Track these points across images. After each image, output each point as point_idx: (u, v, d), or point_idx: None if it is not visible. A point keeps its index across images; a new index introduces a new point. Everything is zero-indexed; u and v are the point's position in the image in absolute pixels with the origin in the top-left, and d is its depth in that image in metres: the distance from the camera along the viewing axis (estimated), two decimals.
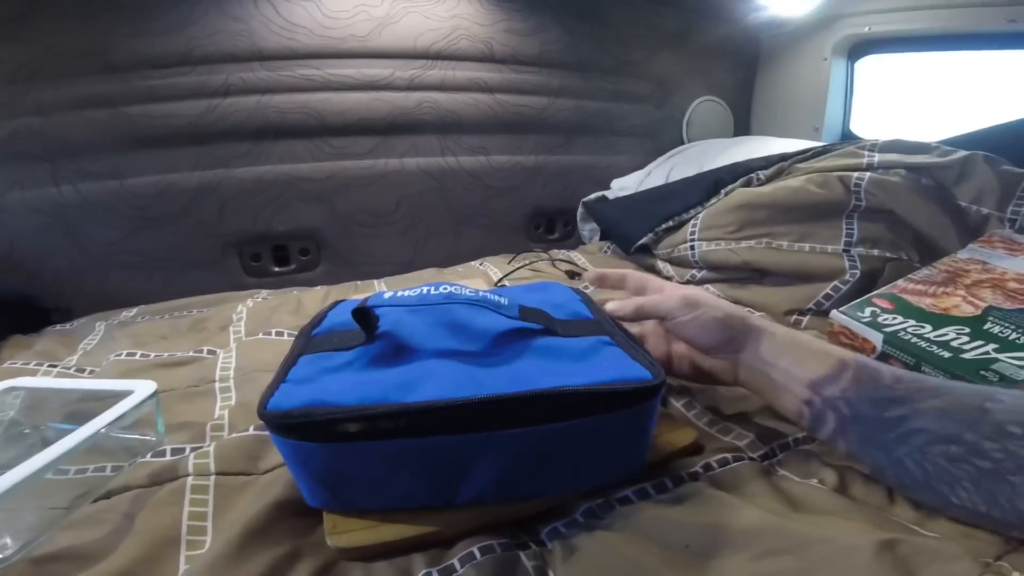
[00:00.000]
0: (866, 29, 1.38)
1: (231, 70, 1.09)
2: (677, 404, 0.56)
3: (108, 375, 0.70)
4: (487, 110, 1.29)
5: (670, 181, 1.26)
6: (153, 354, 0.76)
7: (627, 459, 0.42)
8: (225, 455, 0.48)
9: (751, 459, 0.47)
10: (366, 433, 0.36)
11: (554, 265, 1.14)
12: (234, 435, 0.51)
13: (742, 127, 1.68)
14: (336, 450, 0.36)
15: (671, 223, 1.06)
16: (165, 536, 0.40)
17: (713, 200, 1.04)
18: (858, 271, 0.79)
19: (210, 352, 0.76)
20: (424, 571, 0.36)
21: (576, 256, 1.22)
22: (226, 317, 0.90)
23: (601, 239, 1.35)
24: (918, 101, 1.41)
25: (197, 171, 1.11)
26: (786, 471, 0.46)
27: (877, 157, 0.90)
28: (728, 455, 0.47)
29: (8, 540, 0.39)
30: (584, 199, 1.37)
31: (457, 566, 0.36)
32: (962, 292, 0.67)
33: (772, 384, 0.45)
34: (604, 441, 0.39)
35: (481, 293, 0.46)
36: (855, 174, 0.87)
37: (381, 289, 1.05)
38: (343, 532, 0.38)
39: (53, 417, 0.54)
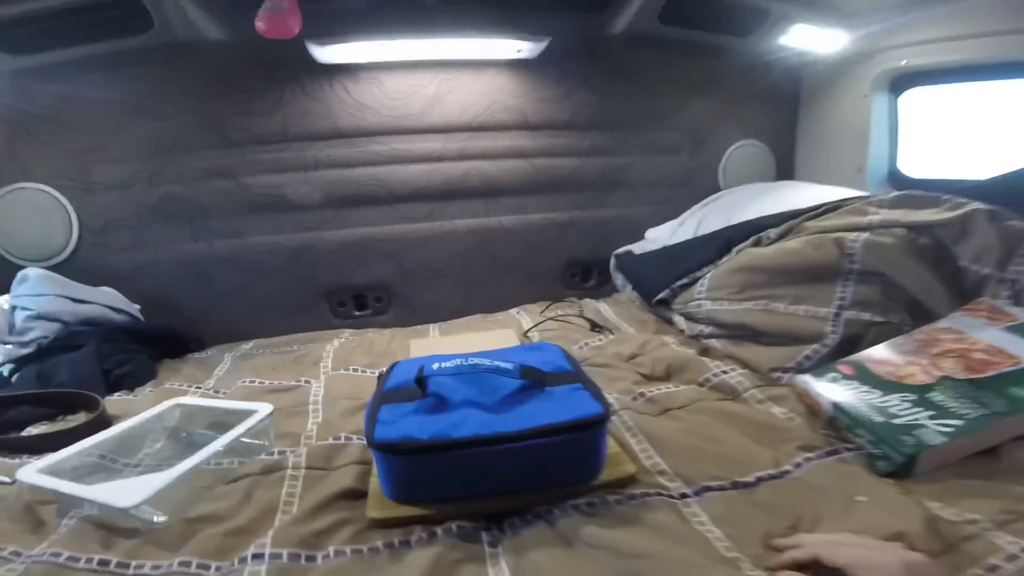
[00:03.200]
0: (903, 62, 1.37)
1: (319, 147, 1.39)
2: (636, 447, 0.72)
3: (237, 397, 0.97)
4: (524, 174, 1.48)
5: (697, 234, 1.34)
6: (268, 382, 1.02)
7: (588, 466, 0.64)
8: (312, 455, 0.73)
9: (670, 496, 0.62)
10: (433, 453, 0.59)
11: (581, 316, 1.27)
12: (318, 443, 0.76)
13: (786, 169, 1.70)
14: (415, 463, 0.60)
15: (686, 280, 1.15)
16: (269, 506, 0.64)
17: (725, 259, 1.12)
18: (839, 335, 0.85)
19: (306, 382, 1.01)
20: (418, 535, 0.58)
21: (604, 307, 1.34)
22: (318, 355, 1.15)
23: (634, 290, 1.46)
24: (969, 133, 1.39)
25: (297, 233, 1.41)
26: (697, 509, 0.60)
27: (880, 215, 0.95)
28: (651, 490, 0.63)
29: (169, 509, 0.63)
30: (616, 252, 1.49)
31: (439, 533, 0.58)
32: (925, 361, 0.73)
33: None
34: (573, 452, 0.62)
35: (495, 363, 0.69)
36: (851, 235, 0.92)
37: (434, 334, 1.29)
38: (375, 510, 0.61)
39: (201, 426, 0.82)
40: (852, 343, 0.84)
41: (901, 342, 0.78)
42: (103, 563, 0.56)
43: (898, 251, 0.89)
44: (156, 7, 1.15)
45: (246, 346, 1.28)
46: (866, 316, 0.87)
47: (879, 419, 0.64)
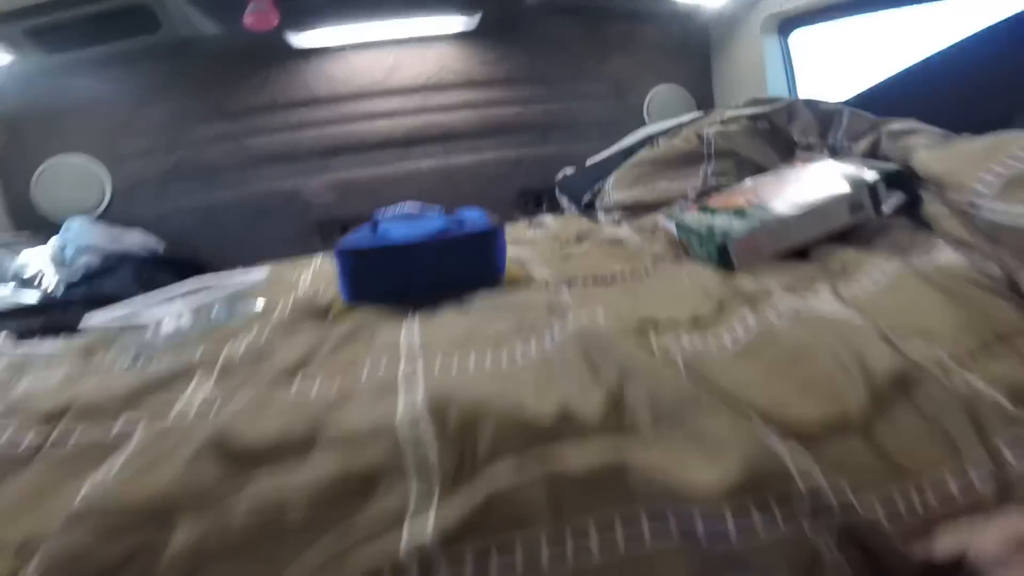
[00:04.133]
0: (789, 7, 1.65)
1: (302, 112, 1.69)
2: None
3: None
4: (475, 121, 1.78)
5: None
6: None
7: (487, 270, 0.87)
8: (297, 307, 0.96)
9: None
10: (368, 254, 0.83)
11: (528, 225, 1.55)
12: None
13: (707, 109, 1.98)
14: (357, 259, 0.84)
15: (602, 183, 1.44)
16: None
17: (625, 163, 1.41)
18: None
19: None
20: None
21: (548, 219, 1.62)
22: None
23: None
24: (861, 66, 1.64)
25: (290, 179, 1.71)
26: None
27: (728, 113, 1.24)
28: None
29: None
30: (557, 178, 1.77)
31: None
32: (748, 195, 1.00)
33: None
34: (473, 255, 0.87)
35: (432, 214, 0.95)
36: (708, 128, 1.22)
37: None
38: (336, 310, 0.85)
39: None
40: None
41: (736, 187, 1.06)
42: None
43: (742, 134, 1.18)
44: (162, 10, 1.45)
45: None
46: (724, 180, 1.16)
47: (704, 228, 0.92)
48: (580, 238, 1.21)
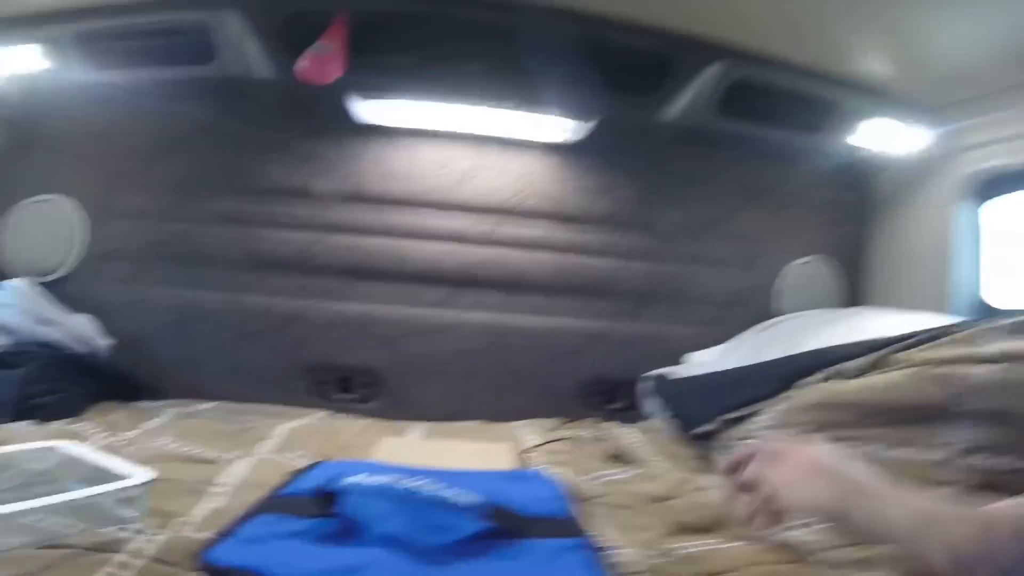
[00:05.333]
0: (1006, 162, 1.10)
1: (338, 208, 1.29)
2: None
3: (139, 458, 0.76)
4: (552, 270, 1.32)
5: (748, 364, 1.12)
6: (187, 449, 0.86)
7: None
8: (170, 546, 0.51)
9: None
10: None
11: (598, 440, 1.02)
12: (192, 535, 0.54)
13: (856, 293, 1.44)
14: None
15: (739, 413, 0.92)
16: None
17: (789, 393, 0.89)
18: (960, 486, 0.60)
19: (231, 459, 0.81)
20: None
21: (630, 434, 1.09)
22: (267, 432, 0.97)
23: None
24: None
25: (294, 299, 1.28)
26: None
27: (996, 346, 0.72)
28: None
29: None
30: (645, 374, 1.26)
31: None
32: None
33: None
34: None
35: (444, 491, 0.47)
36: (963, 368, 0.69)
37: (414, 435, 1.07)
38: None
39: (75, 479, 0.64)
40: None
41: None
42: None
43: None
44: (222, 38, 1.14)
45: (204, 406, 1.13)
46: (990, 463, 0.62)
47: None
48: (713, 523, 0.66)
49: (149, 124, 1.28)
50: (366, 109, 1.25)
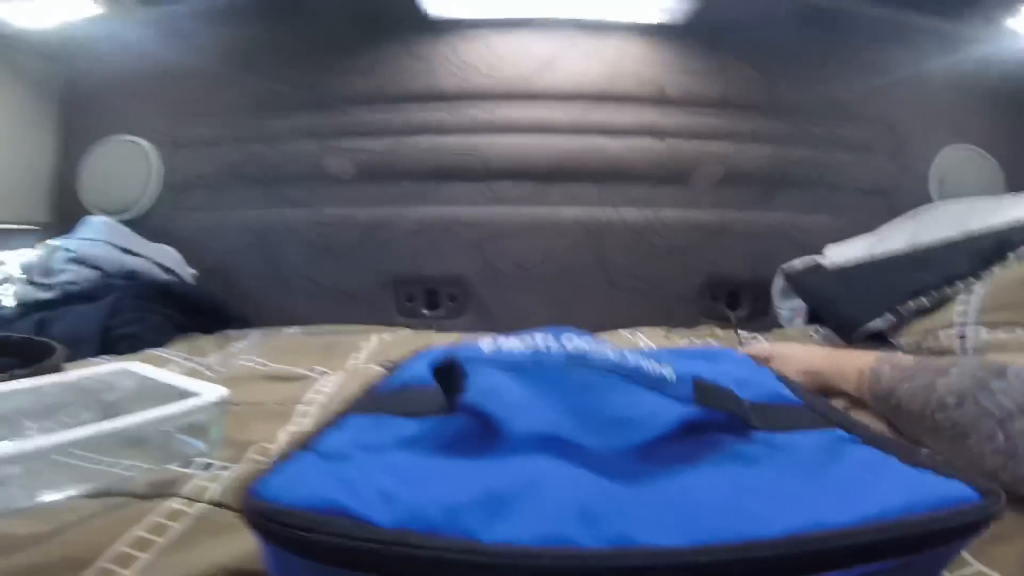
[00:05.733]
0: None
1: (414, 110, 1.17)
2: None
3: (222, 378, 0.72)
4: (657, 157, 1.13)
5: (918, 247, 0.89)
6: (273, 366, 0.79)
7: None
8: (237, 485, 0.37)
9: None
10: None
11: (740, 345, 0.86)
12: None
13: (1017, 187, 1.21)
14: None
15: (924, 301, 0.72)
16: (83, 556, 0.32)
17: (994, 270, 0.68)
18: None
19: (320, 373, 0.74)
20: None
21: (766, 343, 0.91)
22: (354, 344, 0.90)
23: (809, 322, 1.01)
24: None
25: (373, 207, 1.19)
26: None
27: None
28: None
29: None
30: (785, 266, 1.06)
31: None
32: None
33: None
34: None
35: (630, 358, 0.30)
36: None
37: None
38: None
39: (152, 404, 0.52)
40: None
41: None
42: None
43: None
44: None
45: (291, 330, 1.07)
46: None
47: None
48: None
49: (209, 51, 1.19)
50: (437, 4, 1.10)
